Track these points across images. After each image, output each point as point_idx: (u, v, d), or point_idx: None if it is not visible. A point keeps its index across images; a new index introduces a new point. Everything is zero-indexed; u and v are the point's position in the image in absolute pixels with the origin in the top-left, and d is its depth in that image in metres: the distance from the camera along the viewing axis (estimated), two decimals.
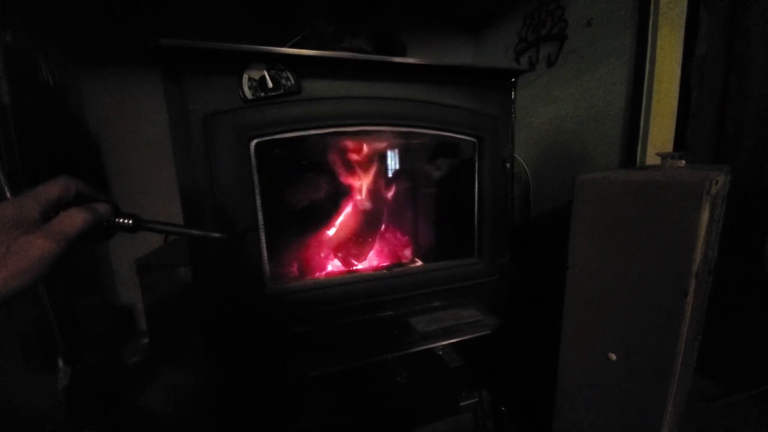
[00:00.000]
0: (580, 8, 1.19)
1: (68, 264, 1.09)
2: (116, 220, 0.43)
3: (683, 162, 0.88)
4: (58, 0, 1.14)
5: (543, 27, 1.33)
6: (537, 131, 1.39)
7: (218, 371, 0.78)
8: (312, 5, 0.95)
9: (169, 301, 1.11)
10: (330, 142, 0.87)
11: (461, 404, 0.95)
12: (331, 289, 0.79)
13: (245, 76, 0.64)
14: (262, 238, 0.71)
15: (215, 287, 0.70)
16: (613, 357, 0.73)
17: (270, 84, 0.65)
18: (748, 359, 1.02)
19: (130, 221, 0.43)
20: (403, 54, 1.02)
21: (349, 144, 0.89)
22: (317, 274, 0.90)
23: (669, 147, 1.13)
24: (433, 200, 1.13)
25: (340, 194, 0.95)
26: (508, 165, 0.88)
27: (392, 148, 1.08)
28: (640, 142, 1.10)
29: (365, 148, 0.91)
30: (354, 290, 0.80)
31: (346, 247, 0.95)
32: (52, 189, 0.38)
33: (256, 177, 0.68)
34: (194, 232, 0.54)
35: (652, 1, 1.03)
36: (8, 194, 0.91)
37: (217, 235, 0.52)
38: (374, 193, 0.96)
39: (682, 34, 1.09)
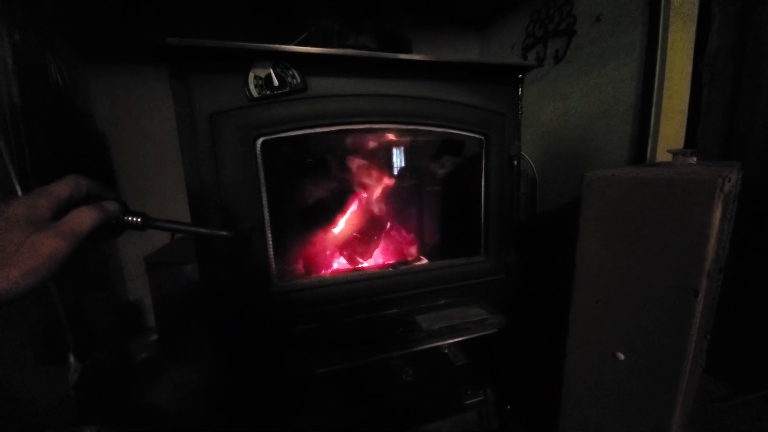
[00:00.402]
0: (589, 3, 1.17)
1: (78, 262, 1.10)
2: (125, 218, 0.43)
3: (695, 159, 0.87)
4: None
5: (551, 22, 1.31)
6: (544, 128, 1.38)
7: (224, 369, 0.79)
8: (313, 5, 0.95)
9: (176, 298, 1.12)
10: (336, 140, 0.87)
11: (466, 402, 0.95)
12: (336, 287, 0.79)
13: (251, 75, 0.64)
14: (268, 236, 0.71)
15: (222, 285, 0.70)
16: (621, 356, 0.73)
17: (276, 82, 0.65)
18: (757, 359, 1.00)
19: (139, 219, 0.44)
20: (409, 51, 1.01)
21: (355, 142, 0.89)
22: (323, 272, 0.90)
23: (679, 144, 1.11)
24: (438, 198, 1.12)
25: (345, 192, 0.95)
26: (515, 162, 0.87)
27: (398, 145, 1.07)
28: (650, 139, 1.08)
29: (371, 146, 0.91)
30: (359, 288, 0.80)
31: (352, 246, 0.95)
32: (63, 187, 0.39)
33: (262, 175, 0.68)
34: (201, 230, 0.54)
35: None
36: (19, 192, 0.92)
37: (223, 233, 0.52)
38: (380, 191, 0.96)
39: (693, 30, 1.07)
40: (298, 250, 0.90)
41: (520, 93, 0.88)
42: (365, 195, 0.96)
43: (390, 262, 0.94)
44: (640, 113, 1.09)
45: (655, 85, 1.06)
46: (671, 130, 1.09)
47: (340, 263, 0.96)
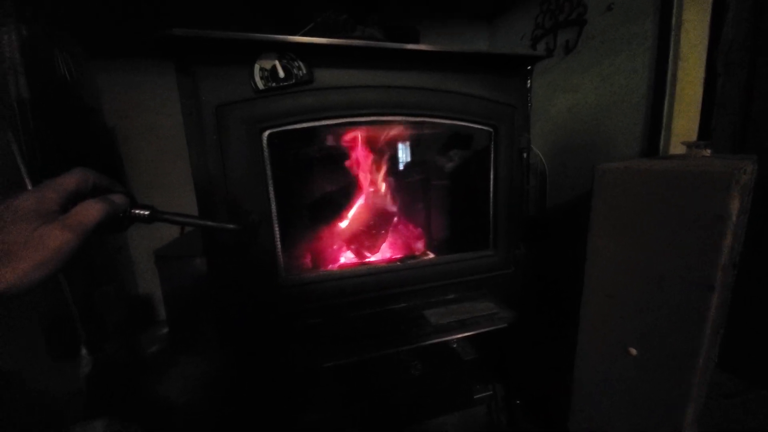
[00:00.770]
0: None
1: (85, 255, 1.11)
2: (132, 211, 0.43)
3: (709, 151, 0.85)
4: None
5: (561, 12, 1.28)
6: (554, 120, 1.35)
7: (231, 362, 0.79)
8: (316, 2, 0.93)
9: (186, 291, 1.13)
10: (342, 132, 0.86)
11: (475, 397, 0.94)
12: (344, 280, 0.78)
13: (257, 66, 0.63)
14: (276, 229, 0.71)
15: (229, 278, 0.70)
16: (634, 352, 0.72)
17: (282, 74, 0.64)
18: None
19: (147, 212, 0.43)
20: (417, 42, 1.00)
21: (362, 134, 0.88)
22: (330, 266, 0.90)
23: (693, 136, 1.09)
24: (446, 192, 1.11)
25: (352, 186, 0.95)
26: (525, 155, 0.86)
27: (405, 139, 1.06)
28: (663, 131, 1.06)
29: (378, 139, 0.90)
30: (367, 282, 0.80)
31: (359, 239, 0.94)
32: (70, 180, 0.38)
33: (268, 168, 0.68)
34: (209, 223, 0.54)
35: None
36: (29, 185, 0.93)
37: (231, 226, 0.52)
38: (387, 184, 0.95)
39: (708, 18, 1.04)
40: (305, 243, 0.90)
41: (529, 85, 0.86)
42: (372, 189, 0.96)
43: (398, 256, 0.93)
44: (652, 104, 1.07)
45: (668, 76, 1.03)
46: (684, 121, 1.07)
47: (347, 257, 0.95)
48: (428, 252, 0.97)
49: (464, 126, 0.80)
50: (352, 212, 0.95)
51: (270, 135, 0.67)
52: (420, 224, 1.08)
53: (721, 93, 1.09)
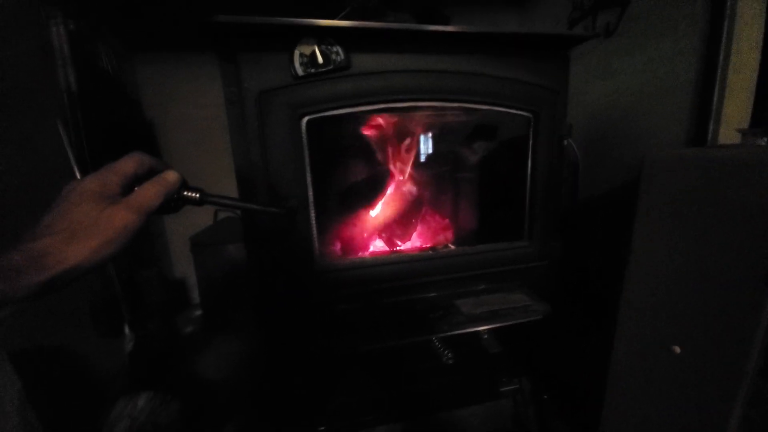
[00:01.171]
0: None
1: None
2: (184, 193, 0.44)
3: (765, 139, 0.79)
4: None
5: None
6: (589, 108, 1.29)
7: (268, 344, 0.82)
8: None
9: (219, 276, 1.17)
10: (376, 119, 0.85)
11: (501, 390, 0.94)
12: (377, 268, 0.79)
13: (296, 52, 0.64)
14: (312, 215, 0.72)
15: (267, 262, 0.72)
16: (678, 350, 0.68)
17: (320, 59, 0.64)
18: None
19: (197, 194, 0.45)
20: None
21: (395, 122, 0.87)
22: (362, 253, 0.91)
23: (744, 124, 1.01)
24: (475, 182, 1.09)
25: (384, 174, 0.94)
26: (565, 143, 0.83)
27: (435, 128, 1.04)
28: (712, 119, 0.99)
29: (409, 128, 0.89)
30: (400, 270, 0.80)
31: (391, 227, 0.94)
32: (129, 164, 0.41)
33: (307, 154, 0.69)
34: (254, 206, 0.56)
35: None
36: (77, 172, 0.98)
37: (274, 209, 0.53)
38: (420, 172, 0.94)
39: None
40: (338, 230, 0.91)
41: (569, 69, 0.83)
42: (405, 176, 0.95)
43: (428, 245, 0.93)
44: (701, 91, 1.00)
45: (720, 60, 0.96)
46: (735, 109, 0.99)
47: (378, 245, 0.96)
48: (459, 240, 0.96)
49: (503, 112, 0.78)
50: (384, 199, 0.95)
51: (309, 121, 0.68)
52: (449, 214, 1.06)
53: None
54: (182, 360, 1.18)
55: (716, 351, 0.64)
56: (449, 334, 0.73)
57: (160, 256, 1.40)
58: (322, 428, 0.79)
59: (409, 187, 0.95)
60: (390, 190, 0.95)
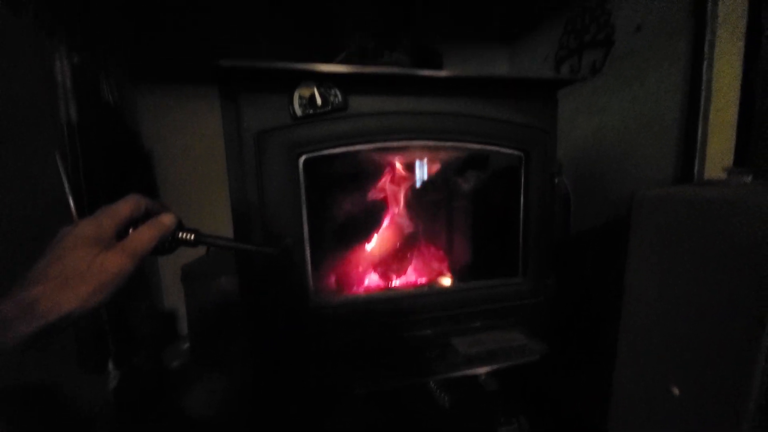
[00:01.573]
0: (628, 13, 1.14)
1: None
2: (179, 234, 0.44)
3: (750, 178, 0.82)
4: (114, 24, 1.23)
5: (586, 33, 1.28)
6: (577, 144, 1.33)
7: (259, 381, 0.79)
8: (351, 18, 0.98)
9: (210, 308, 1.15)
10: (372, 156, 0.87)
11: (499, 430, 0.91)
12: (372, 305, 0.78)
13: (296, 94, 0.66)
14: (307, 252, 0.72)
15: (262, 299, 0.71)
16: (677, 391, 0.67)
17: (319, 101, 0.66)
18: None
19: (192, 236, 0.45)
20: (440, 65, 1.02)
21: (391, 158, 0.89)
22: (358, 288, 0.90)
23: (728, 160, 1.05)
24: (469, 214, 1.10)
25: (380, 208, 0.95)
26: (556, 180, 0.85)
27: (432, 161, 1.06)
28: (698, 155, 1.02)
29: (406, 163, 0.91)
30: (395, 307, 0.79)
31: (386, 262, 0.94)
32: (125, 207, 0.41)
33: (303, 192, 0.70)
34: (248, 247, 0.56)
35: (709, 6, 0.96)
36: (71, 203, 0.98)
37: (269, 250, 0.53)
38: (413, 207, 0.95)
39: (742, 39, 1.02)
40: (334, 265, 0.90)
41: (557, 109, 0.86)
42: (398, 210, 0.96)
43: (423, 280, 0.93)
44: (685, 128, 1.04)
45: (702, 98, 1.00)
46: (720, 145, 1.03)
47: (373, 280, 0.95)
48: (454, 276, 0.96)
49: (495, 151, 0.80)
50: (378, 234, 0.95)
51: (306, 160, 0.69)
52: (446, 248, 1.07)
53: (759, 114, 1.06)
54: (169, 396, 1.14)
55: (715, 391, 0.63)
56: (447, 376, 0.72)
57: (151, 286, 1.38)
58: None
59: (404, 221, 0.96)
60: (385, 223, 0.96)
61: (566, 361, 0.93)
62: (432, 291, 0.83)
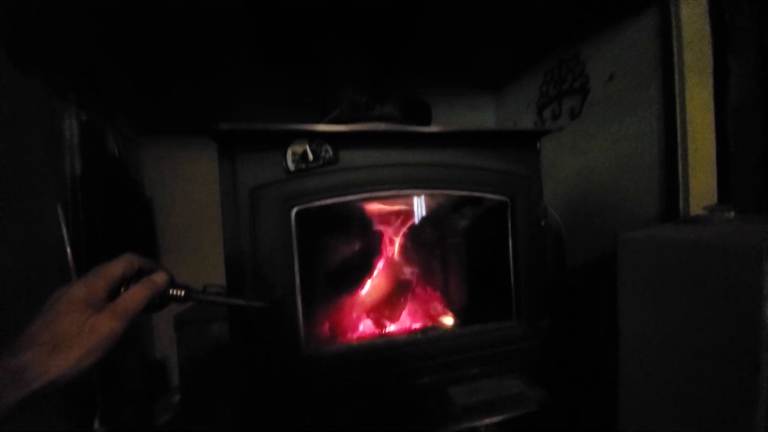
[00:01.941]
0: (601, 63, 1.22)
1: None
2: (170, 291, 0.45)
3: (733, 213, 0.84)
4: (121, 85, 1.32)
5: (564, 82, 1.37)
6: (565, 183, 1.37)
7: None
8: (343, 72, 1.05)
9: (202, 357, 1.12)
10: (364, 206, 0.90)
11: None
12: (366, 354, 0.77)
13: (289, 151, 0.70)
14: (299, 302, 0.72)
15: (253, 348, 0.70)
16: None
17: (311, 157, 0.70)
18: None
19: (182, 292, 0.46)
20: (429, 115, 1.08)
21: (382, 207, 0.92)
22: (351, 335, 0.89)
23: (712, 195, 1.08)
24: (464, 253, 1.11)
25: (371, 255, 0.97)
26: (542, 223, 0.87)
27: (424, 207, 1.09)
28: (681, 193, 1.05)
29: (397, 210, 0.94)
30: (389, 356, 0.78)
31: (379, 308, 0.94)
32: (117, 268, 0.42)
33: (295, 242, 0.71)
34: (238, 302, 0.56)
35: (676, 54, 1.04)
36: (69, 253, 0.99)
37: (258, 304, 0.54)
38: (405, 253, 0.96)
39: (711, 83, 1.08)
40: (325, 314, 0.90)
41: (539, 156, 0.90)
42: (391, 255, 0.97)
43: (418, 326, 0.92)
44: (665, 167, 1.08)
45: (678, 139, 1.05)
46: (702, 182, 1.07)
47: (367, 326, 0.94)
48: (448, 320, 0.95)
49: (481, 197, 0.83)
50: (371, 281, 0.96)
51: (298, 211, 0.72)
52: (439, 289, 1.07)
53: (735, 153, 1.10)
54: None
55: None
56: (446, 431, 0.69)
57: (143, 334, 1.35)
58: None
59: (397, 266, 0.97)
60: (377, 270, 0.97)
61: (567, 408, 0.90)
62: (426, 338, 0.81)
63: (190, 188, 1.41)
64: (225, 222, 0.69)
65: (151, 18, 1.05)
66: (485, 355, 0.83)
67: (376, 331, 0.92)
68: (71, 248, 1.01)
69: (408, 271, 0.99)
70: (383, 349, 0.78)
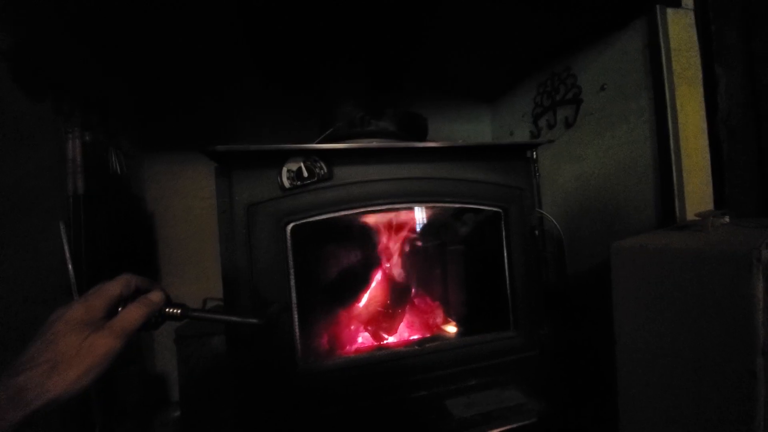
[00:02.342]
0: (592, 75, 1.24)
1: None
2: (166, 310, 0.46)
3: (727, 218, 0.84)
4: (125, 107, 1.36)
5: (557, 93, 1.39)
6: (563, 189, 1.38)
7: None
8: (342, 89, 1.08)
9: (202, 371, 1.12)
10: (359, 219, 0.91)
11: None
12: (362, 368, 0.77)
13: (284, 169, 0.72)
14: (295, 318, 0.73)
15: (249, 367, 0.71)
16: None
17: (305, 174, 0.72)
18: None
19: (178, 311, 0.47)
20: (425, 130, 1.10)
21: (377, 220, 0.93)
22: (348, 348, 0.89)
23: (708, 200, 1.08)
24: (464, 262, 1.12)
25: (369, 268, 0.97)
26: (536, 232, 0.88)
27: (420, 220, 1.10)
28: (676, 198, 1.06)
29: (392, 223, 0.95)
30: (386, 369, 0.78)
31: (376, 321, 0.94)
32: (114, 288, 0.43)
33: (291, 258, 0.73)
34: (233, 319, 0.57)
35: (664, 64, 1.06)
36: (70, 269, 1.01)
37: (254, 320, 0.54)
38: (403, 263, 0.97)
39: (701, 91, 1.10)
40: (322, 328, 0.91)
41: (534, 167, 0.92)
42: (388, 267, 0.98)
43: (416, 338, 0.92)
44: (660, 173, 1.09)
45: (671, 146, 1.06)
46: (697, 187, 1.07)
47: (365, 338, 0.94)
48: (447, 331, 0.95)
49: (475, 208, 0.84)
50: (368, 294, 0.96)
51: (293, 227, 0.73)
52: (438, 298, 1.07)
53: (728, 158, 1.11)
54: None
55: None
56: None
57: (143, 348, 1.36)
58: None
59: (394, 278, 0.97)
60: (374, 282, 0.97)
61: (567, 418, 0.89)
62: (423, 350, 0.82)
63: (191, 203, 1.43)
64: (222, 239, 0.70)
65: (154, 43, 1.09)
66: (483, 366, 0.83)
67: (374, 343, 0.92)
68: (73, 265, 1.03)
69: (405, 283, 0.99)
70: (380, 363, 0.78)
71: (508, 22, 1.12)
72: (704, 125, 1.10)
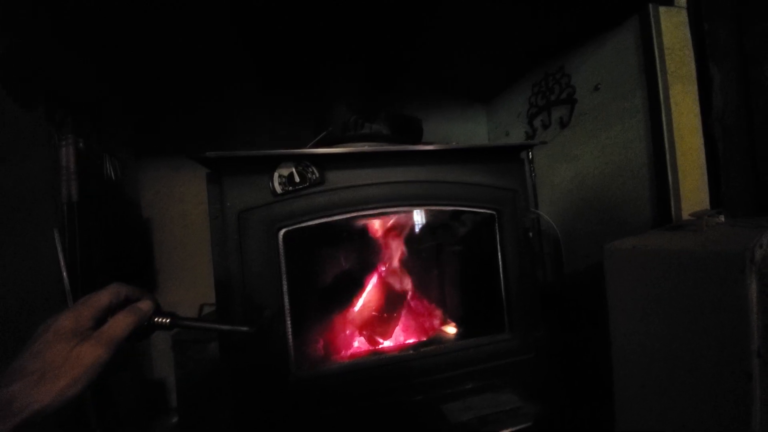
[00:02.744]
0: (586, 75, 1.24)
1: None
2: (155, 319, 0.46)
3: (722, 217, 0.84)
4: (118, 114, 1.36)
5: (552, 93, 1.39)
6: (559, 189, 1.38)
7: None
8: (338, 92, 1.07)
9: (200, 377, 1.12)
10: (352, 223, 0.91)
11: None
12: (356, 374, 0.77)
13: (276, 174, 0.72)
14: (288, 323, 0.72)
15: (243, 373, 0.70)
16: None
17: (297, 179, 0.72)
18: None
19: (168, 320, 0.47)
20: (420, 132, 1.09)
21: (370, 223, 0.93)
22: (343, 353, 0.89)
23: (704, 199, 1.08)
24: (460, 263, 1.11)
25: (362, 272, 0.97)
26: (531, 234, 0.87)
27: (414, 222, 1.10)
28: (672, 197, 1.05)
29: (386, 226, 0.94)
30: (381, 373, 0.78)
31: (371, 325, 0.94)
32: (104, 297, 0.43)
33: (283, 263, 0.72)
34: (224, 327, 0.56)
35: (658, 63, 1.06)
36: (65, 276, 1.00)
37: (244, 329, 0.54)
38: (397, 268, 0.97)
39: (695, 89, 1.10)
40: (316, 333, 0.90)
41: (529, 168, 0.91)
42: (383, 270, 0.98)
43: (411, 342, 0.92)
44: (655, 172, 1.09)
45: (666, 145, 1.06)
46: (692, 186, 1.07)
47: (360, 343, 0.94)
48: (442, 335, 0.95)
49: (468, 211, 0.84)
50: (363, 298, 0.96)
51: (286, 233, 0.73)
52: (433, 301, 1.07)
53: (723, 157, 1.11)
54: None
55: None
56: None
57: (140, 354, 1.35)
58: None
59: (388, 282, 0.97)
60: (368, 287, 0.97)
61: (565, 421, 0.89)
62: (419, 354, 0.81)
63: (186, 208, 1.43)
64: (214, 245, 0.70)
65: (148, 47, 1.08)
66: (479, 369, 0.83)
67: (369, 347, 0.92)
68: (67, 272, 1.02)
69: (400, 286, 0.99)
70: (375, 368, 0.78)
71: (505, 21, 1.12)
72: (699, 124, 1.10)
